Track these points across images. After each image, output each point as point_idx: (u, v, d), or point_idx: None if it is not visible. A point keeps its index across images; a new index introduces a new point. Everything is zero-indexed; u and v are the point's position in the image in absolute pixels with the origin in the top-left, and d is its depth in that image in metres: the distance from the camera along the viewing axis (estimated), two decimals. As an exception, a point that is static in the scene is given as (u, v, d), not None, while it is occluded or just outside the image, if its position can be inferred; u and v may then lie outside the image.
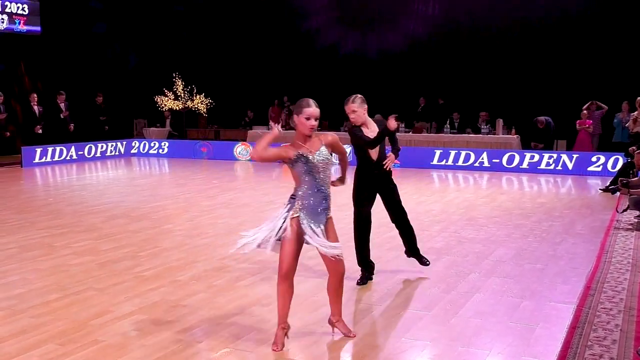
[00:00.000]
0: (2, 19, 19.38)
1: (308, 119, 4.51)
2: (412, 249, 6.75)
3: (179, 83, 21.38)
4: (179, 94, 21.42)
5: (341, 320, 4.94)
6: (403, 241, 6.75)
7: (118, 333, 5.01)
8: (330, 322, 4.95)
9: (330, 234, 4.64)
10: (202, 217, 9.94)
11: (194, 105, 21.40)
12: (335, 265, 4.69)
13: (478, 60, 18.90)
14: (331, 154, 4.67)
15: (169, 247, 7.91)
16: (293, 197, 4.65)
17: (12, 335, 4.97)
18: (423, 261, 6.72)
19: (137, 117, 22.54)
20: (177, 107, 21.38)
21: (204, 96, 21.38)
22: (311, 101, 4.54)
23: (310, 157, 4.53)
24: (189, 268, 6.93)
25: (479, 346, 4.76)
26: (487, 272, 6.75)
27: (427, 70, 19.60)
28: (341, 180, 5.21)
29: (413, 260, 6.95)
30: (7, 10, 19.45)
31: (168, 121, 21.59)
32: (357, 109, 6.16)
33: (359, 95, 6.22)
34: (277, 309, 4.68)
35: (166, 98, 21.36)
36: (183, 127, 21.48)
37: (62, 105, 18.55)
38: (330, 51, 20.91)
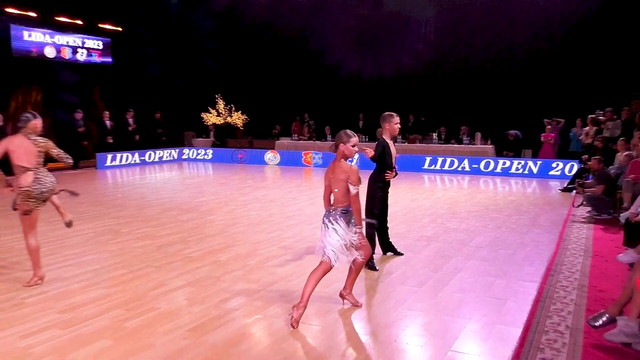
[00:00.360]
0: (82, 52, 19.66)
1: (353, 145, 4.59)
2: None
3: (221, 102, 21.41)
4: (220, 111, 21.44)
5: (351, 293, 4.94)
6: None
7: (171, 302, 5.03)
8: (341, 295, 4.95)
9: None
10: (238, 210, 9.96)
11: (232, 120, 21.42)
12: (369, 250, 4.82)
13: (462, 84, 18.79)
14: None
15: (212, 234, 7.93)
16: (345, 212, 4.57)
17: (88, 302, 5.01)
18: (398, 252, 6.70)
19: (187, 130, 22.59)
20: (219, 122, 21.42)
21: (241, 113, 21.40)
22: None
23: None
24: (227, 251, 6.94)
25: (461, 316, 4.72)
26: (468, 256, 6.70)
27: (416, 91, 19.51)
28: None
29: (409, 245, 6.91)
30: (86, 45, 19.76)
31: (212, 133, 21.63)
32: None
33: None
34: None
35: (210, 114, 21.42)
36: (224, 137, 21.50)
37: (130, 121, 18.67)
38: (332, 72, 20.89)
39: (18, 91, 18.17)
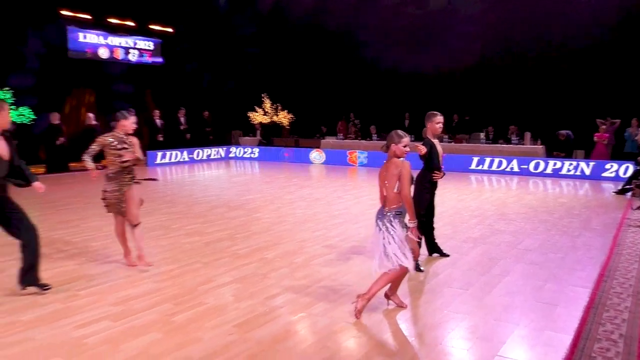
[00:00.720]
0: (134, 53, 20.29)
1: (405, 146, 4.60)
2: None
3: (267, 102, 21.71)
4: (267, 110, 21.74)
5: (396, 293, 4.90)
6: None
7: (218, 297, 5.12)
8: (386, 295, 4.91)
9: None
10: (284, 208, 10.04)
11: (278, 119, 21.68)
12: (417, 252, 4.77)
13: (511, 83, 18.35)
14: None
15: (258, 231, 8.02)
16: (399, 213, 4.56)
17: (139, 295, 5.16)
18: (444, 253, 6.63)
19: (235, 129, 22.94)
20: (265, 121, 21.71)
21: (287, 112, 21.62)
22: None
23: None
24: (273, 248, 7.01)
25: (508, 320, 4.61)
26: (516, 259, 6.54)
27: (464, 89, 19.16)
28: None
29: (455, 246, 6.82)
30: (138, 46, 20.42)
31: (258, 132, 21.89)
32: None
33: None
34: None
35: (257, 113, 21.73)
36: (270, 136, 21.75)
37: (182, 119, 19.12)
38: (378, 70, 20.75)
39: (74, 92, 18.88)
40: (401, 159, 4.63)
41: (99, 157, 6.21)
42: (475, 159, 16.20)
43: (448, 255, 6.58)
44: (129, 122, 6.04)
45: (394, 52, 20.40)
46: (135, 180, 6.16)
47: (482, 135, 17.46)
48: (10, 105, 15.55)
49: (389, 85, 20.56)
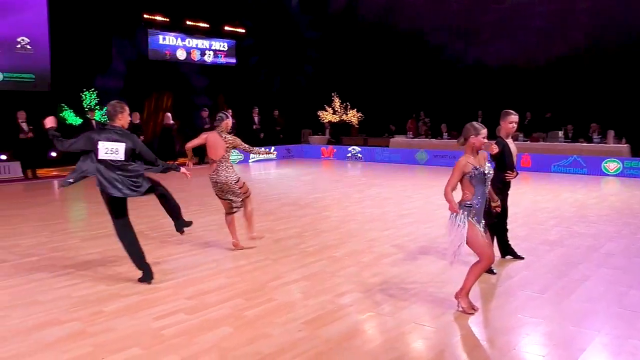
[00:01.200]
0: (209, 54, 20.99)
1: (484, 137, 4.58)
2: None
3: (336, 100, 21.79)
4: (336, 109, 21.83)
5: (466, 296, 4.78)
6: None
7: (287, 294, 5.20)
8: (457, 297, 4.80)
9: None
10: (352, 206, 10.04)
11: (347, 118, 21.71)
12: (490, 253, 4.63)
13: (592, 77, 17.43)
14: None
15: (327, 229, 8.07)
16: (468, 206, 4.53)
17: (212, 289, 5.33)
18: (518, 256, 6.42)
19: (304, 128, 23.21)
20: (334, 120, 21.81)
21: (356, 111, 21.61)
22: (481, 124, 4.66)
23: (485, 170, 4.56)
24: (342, 247, 7.03)
25: (588, 327, 4.39)
26: (598, 263, 6.21)
27: (541, 86, 18.36)
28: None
29: (530, 248, 6.58)
30: (213, 47, 21.09)
31: (327, 131, 22.04)
32: None
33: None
34: (469, 284, 4.68)
35: (326, 112, 21.87)
36: (339, 135, 21.82)
37: (255, 119, 19.56)
38: (450, 66, 20.29)
39: (154, 94, 19.75)
40: (464, 155, 4.60)
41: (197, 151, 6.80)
42: (553, 158, 15.52)
43: (522, 258, 6.35)
44: (230, 121, 6.70)
45: (466, 48, 19.93)
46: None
47: (561, 133, 16.69)
48: (95, 106, 16.53)
49: (461, 82, 20.08)
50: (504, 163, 5.93)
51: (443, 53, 20.35)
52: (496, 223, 6.02)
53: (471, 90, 19.72)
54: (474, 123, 4.66)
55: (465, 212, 4.52)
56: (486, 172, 4.57)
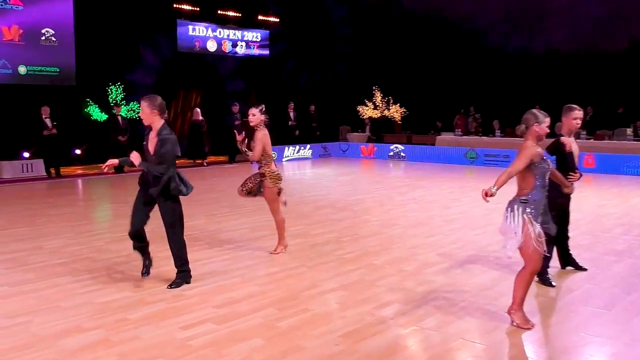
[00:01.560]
0: (242, 45, 21.22)
1: (547, 126, 4.54)
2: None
3: (378, 94, 21.72)
4: (377, 104, 21.76)
5: (521, 310, 4.66)
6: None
7: (324, 304, 5.19)
8: (509, 312, 4.69)
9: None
10: (395, 210, 9.97)
11: (390, 113, 21.61)
12: (537, 257, 4.50)
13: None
14: None
15: (367, 235, 8.03)
16: (524, 201, 4.47)
17: (242, 298, 5.37)
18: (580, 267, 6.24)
19: (342, 124, 23.21)
20: (375, 115, 21.74)
21: (399, 106, 21.48)
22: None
23: (550, 166, 4.55)
24: (383, 254, 6.98)
25: (660, 348, 4.24)
26: (671, 277, 5.99)
27: (606, 79, 17.84)
28: None
29: (595, 259, 6.39)
30: (245, 39, 21.34)
31: (368, 127, 21.97)
32: None
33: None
34: (520, 296, 4.59)
35: (367, 107, 21.82)
36: (380, 132, 21.73)
37: (291, 115, 19.67)
38: (501, 57, 19.92)
39: (182, 89, 20.09)
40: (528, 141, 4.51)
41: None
42: (621, 158, 15.06)
43: (585, 269, 6.18)
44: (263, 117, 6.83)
45: (520, 37, 19.54)
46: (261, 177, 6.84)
47: (630, 130, 16.19)
48: (121, 101, 16.91)
49: (516, 74, 19.72)
50: (565, 163, 5.76)
51: (495, 42, 20.00)
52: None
53: (527, 83, 19.35)
54: (534, 110, 4.59)
55: (521, 209, 4.45)
56: (551, 166, 4.56)
